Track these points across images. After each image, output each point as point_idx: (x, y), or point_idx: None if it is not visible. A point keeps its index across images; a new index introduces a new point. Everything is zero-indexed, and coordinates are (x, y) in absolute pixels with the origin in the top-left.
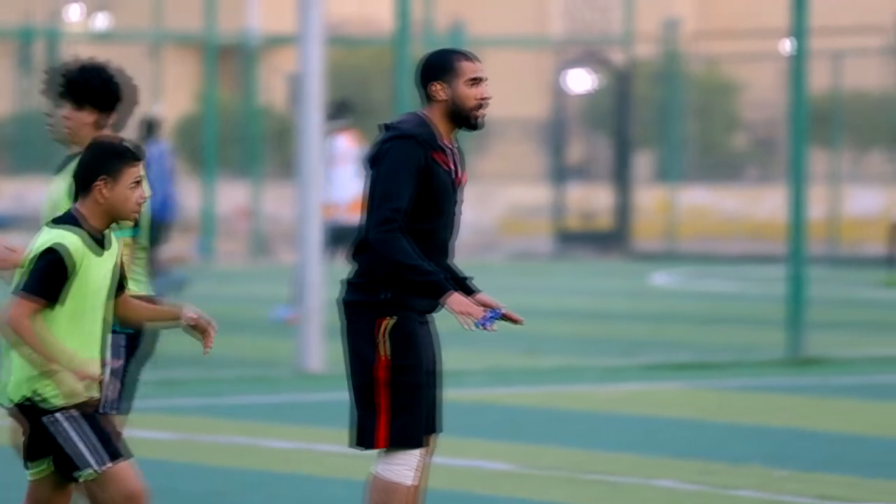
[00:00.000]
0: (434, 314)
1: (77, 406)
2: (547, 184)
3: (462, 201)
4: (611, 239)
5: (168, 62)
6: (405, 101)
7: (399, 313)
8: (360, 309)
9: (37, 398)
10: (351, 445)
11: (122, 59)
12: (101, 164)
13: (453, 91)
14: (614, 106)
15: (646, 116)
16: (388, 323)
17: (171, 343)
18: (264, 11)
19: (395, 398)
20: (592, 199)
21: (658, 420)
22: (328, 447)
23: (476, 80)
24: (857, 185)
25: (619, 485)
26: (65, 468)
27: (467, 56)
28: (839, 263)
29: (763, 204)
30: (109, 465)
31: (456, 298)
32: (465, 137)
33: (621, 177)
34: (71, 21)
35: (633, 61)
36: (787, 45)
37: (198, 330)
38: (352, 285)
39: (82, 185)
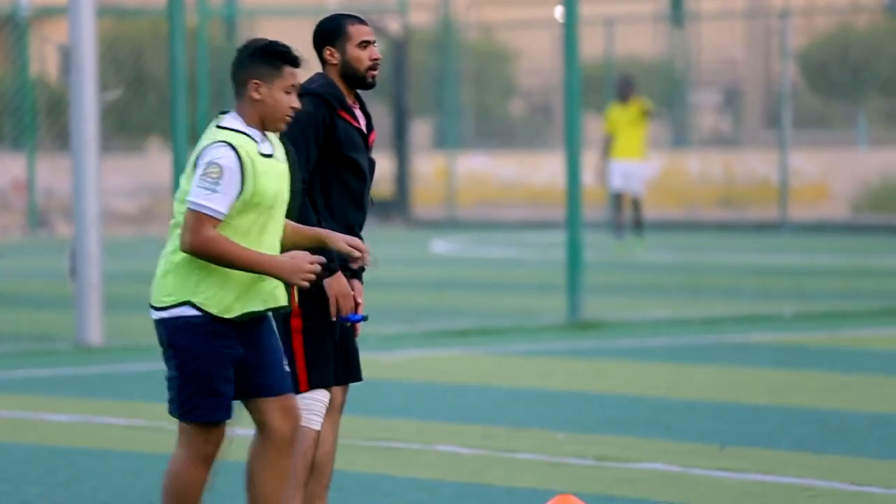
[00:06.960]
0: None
1: None
2: None
3: (374, 162)
4: (390, 207)
5: None
6: (181, 72)
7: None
8: None
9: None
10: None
11: None
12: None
13: (344, 55)
14: (391, 74)
15: (422, 84)
16: None
17: None
18: None
19: (306, 343)
20: None
21: (439, 386)
22: (108, 419)
23: (366, 43)
24: None
25: (401, 450)
26: None
27: (357, 20)
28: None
29: (541, 170)
30: None
31: (337, 280)
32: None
33: (399, 145)
34: None
35: (409, 29)
36: (559, 12)
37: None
38: None
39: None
